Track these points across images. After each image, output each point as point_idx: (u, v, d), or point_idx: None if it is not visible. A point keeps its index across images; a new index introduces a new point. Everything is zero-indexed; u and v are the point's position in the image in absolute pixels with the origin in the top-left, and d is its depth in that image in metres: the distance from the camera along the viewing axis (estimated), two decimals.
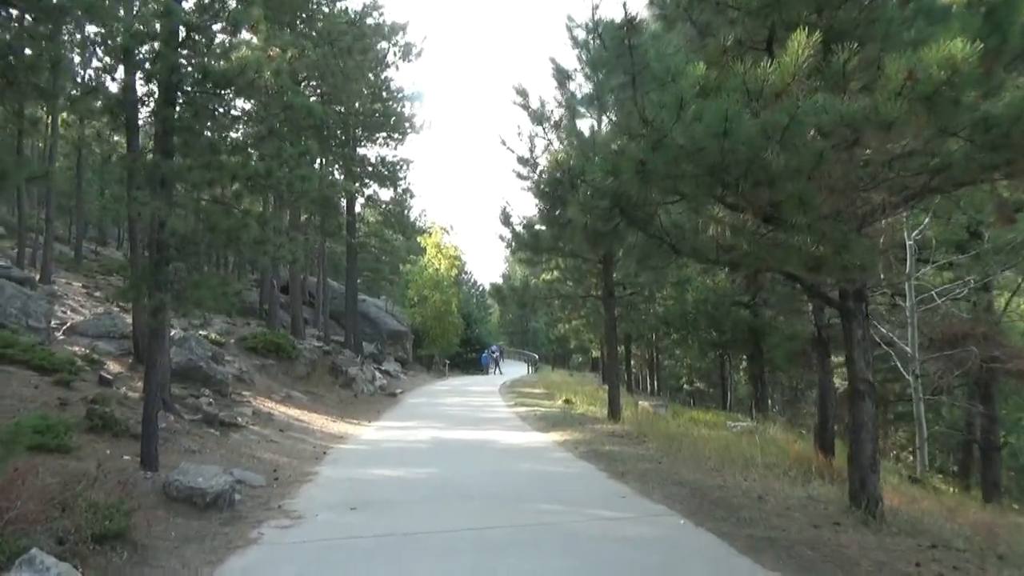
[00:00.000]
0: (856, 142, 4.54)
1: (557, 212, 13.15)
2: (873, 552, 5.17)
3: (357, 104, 22.18)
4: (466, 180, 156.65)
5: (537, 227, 14.33)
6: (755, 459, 9.77)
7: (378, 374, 28.38)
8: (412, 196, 27.19)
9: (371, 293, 46.89)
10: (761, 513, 6.37)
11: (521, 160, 14.42)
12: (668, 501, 7.00)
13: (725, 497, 7.01)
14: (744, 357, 22.47)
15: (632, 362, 39.81)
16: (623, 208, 6.33)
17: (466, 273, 68.60)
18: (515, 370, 50.87)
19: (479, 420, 16.62)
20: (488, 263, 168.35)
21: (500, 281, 17.55)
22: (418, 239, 47.35)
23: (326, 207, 23.69)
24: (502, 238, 15.16)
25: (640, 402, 19.93)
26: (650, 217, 6.51)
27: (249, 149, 8.63)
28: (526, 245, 14.37)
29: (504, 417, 17.44)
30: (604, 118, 12.47)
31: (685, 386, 34.77)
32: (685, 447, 10.74)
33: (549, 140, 13.46)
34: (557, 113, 13.48)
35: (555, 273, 15.85)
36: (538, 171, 13.14)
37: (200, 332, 19.38)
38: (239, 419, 13.05)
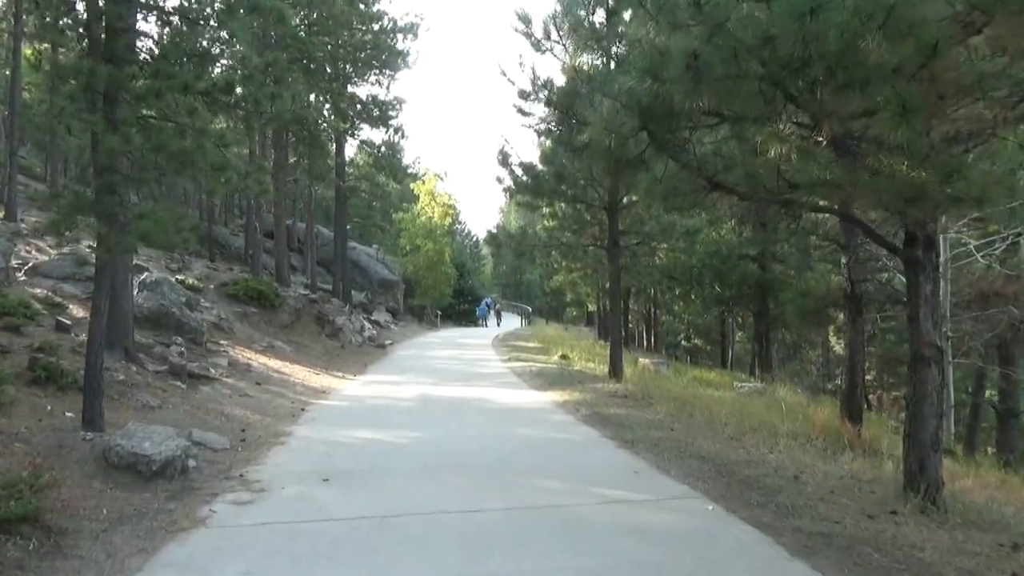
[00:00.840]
0: (981, 30, 3.42)
1: (562, 151, 11.98)
2: (954, 557, 4.21)
3: (346, 35, 20.59)
4: (462, 128, 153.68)
5: (538, 168, 13.14)
6: (775, 427, 8.85)
7: (367, 324, 27.40)
8: (404, 136, 25.81)
9: (363, 241, 45.68)
10: (802, 498, 5.41)
11: (522, 94, 13.14)
12: (690, 479, 6.04)
13: (756, 476, 6.05)
14: (749, 314, 21.53)
15: (629, 317, 38.96)
16: (652, 131, 5.19)
17: (460, 223, 67.33)
18: (508, 323, 50.35)
19: (471, 376, 15.68)
20: (483, 213, 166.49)
21: (495, 229, 16.40)
22: (411, 186, 45.94)
23: (313, 146, 22.33)
24: (499, 180, 14.00)
25: (640, 359, 19.01)
26: (683, 143, 5.39)
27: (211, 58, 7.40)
28: (525, 188, 13.21)
29: (498, 373, 16.51)
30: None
31: (683, 342, 33.96)
32: (697, 412, 9.80)
33: (564, 45, 12.08)
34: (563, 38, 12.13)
35: (555, 220, 14.72)
36: (547, 93, 11.84)
37: (176, 276, 18.27)
38: (212, 371, 12.05)
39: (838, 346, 34.03)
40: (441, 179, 42.71)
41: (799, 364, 30.97)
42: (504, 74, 12.87)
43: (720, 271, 18.36)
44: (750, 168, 4.97)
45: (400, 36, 23.21)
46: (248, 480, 6.21)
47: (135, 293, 14.60)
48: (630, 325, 42.00)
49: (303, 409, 10.56)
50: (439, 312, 42.04)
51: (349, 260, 38.05)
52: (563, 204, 14.24)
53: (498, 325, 43.99)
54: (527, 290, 69.52)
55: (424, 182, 43.61)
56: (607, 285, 31.00)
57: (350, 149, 56.27)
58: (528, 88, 12.94)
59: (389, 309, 37.39)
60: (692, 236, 14.40)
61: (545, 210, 15.19)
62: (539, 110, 12.97)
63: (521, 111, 13.07)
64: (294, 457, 7.17)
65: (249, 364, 14.27)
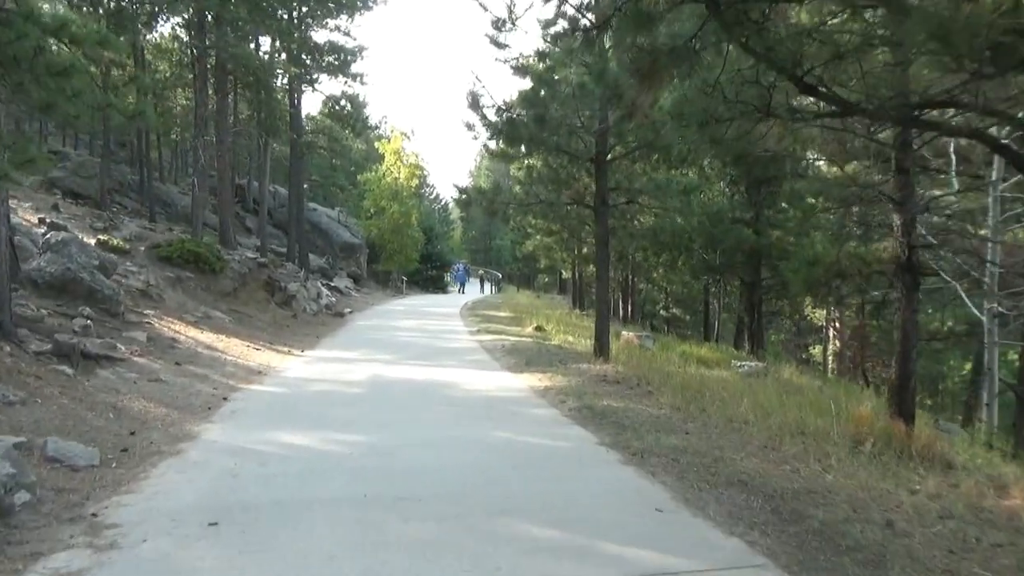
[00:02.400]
0: None
1: (546, 89, 9.96)
2: None
3: None
4: (430, 88, 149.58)
5: (516, 111, 11.12)
6: (807, 424, 7.13)
7: (325, 291, 25.30)
8: (364, 83, 23.41)
9: (326, 204, 43.18)
10: (919, 566, 3.63)
11: (497, 23, 11.06)
12: (740, 526, 4.22)
13: (833, 522, 4.25)
14: (738, 283, 19.89)
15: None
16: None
17: (428, 185, 64.98)
18: (476, 290, 48.68)
19: (436, 352, 13.78)
20: (453, 176, 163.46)
21: (467, 185, 14.28)
22: (376, 145, 43.54)
23: (259, 93, 19.90)
24: (469, 127, 11.94)
25: (621, 332, 17.28)
26: (763, 18, 3.46)
27: None
28: (499, 135, 11.19)
29: (466, 348, 14.64)
30: None
31: (661, 312, 32.42)
32: (708, 404, 8.02)
33: None
34: None
35: (533, 174, 12.72)
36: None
37: (99, 236, 15.98)
38: (119, 349, 9.96)
39: (814, 316, 32.86)
40: (408, 138, 40.24)
41: (792, 338, 29.70)
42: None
43: (712, 235, 16.60)
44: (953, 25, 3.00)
45: None
46: (99, 525, 4.26)
47: (38, 256, 12.43)
48: (584, 288, 40.40)
49: (225, 398, 8.58)
50: (404, 278, 39.93)
51: (308, 222, 35.70)
52: (541, 156, 12.25)
53: (462, 292, 42.68)
54: (497, 255, 67.56)
55: (390, 140, 41.17)
56: (583, 251, 29.29)
57: (309, 103, 52.82)
58: (504, 15, 10.86)
59: (351, 275, 35.26)
60: (688, 195, 12.52)
61: (521, 164, 13.21)
62: (517, 42, 10.91)
63: (496, 42, 10.99)
64: (183, 479, 5.22)
65: (175, 339, 12.20)
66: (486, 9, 10.76)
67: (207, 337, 13.13)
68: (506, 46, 10.96)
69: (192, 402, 8.19)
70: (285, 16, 20.63)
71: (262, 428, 6.99)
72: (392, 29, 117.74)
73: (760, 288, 18.67)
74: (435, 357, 12.80)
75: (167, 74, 25.25)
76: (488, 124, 11.66)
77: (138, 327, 12.06)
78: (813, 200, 15.33)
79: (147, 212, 23.82)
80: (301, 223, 27.21)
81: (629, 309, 30.62)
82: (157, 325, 12.82)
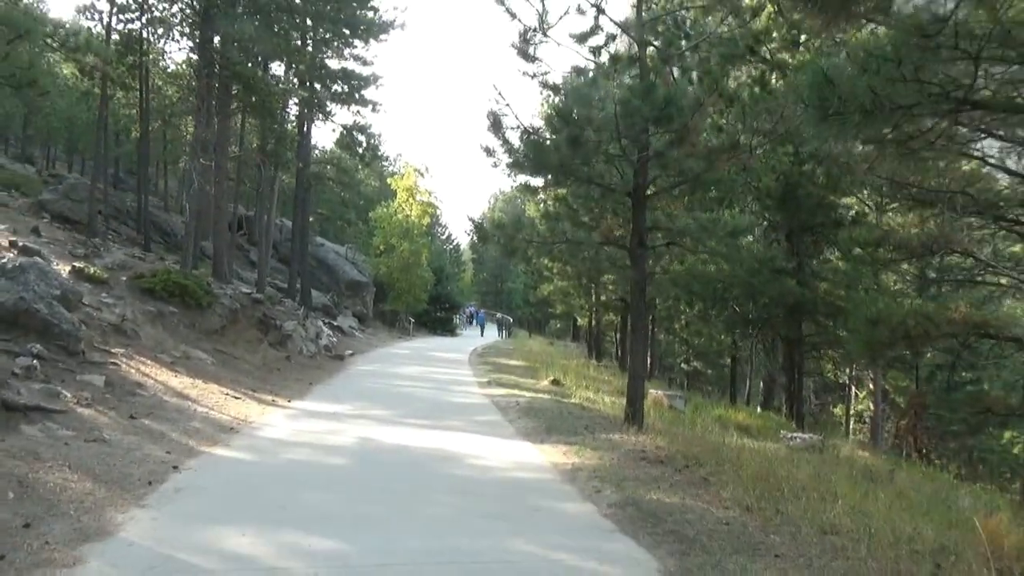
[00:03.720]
0: None
1: (580, 107, 8.42)
2: None
3: None
4: (445, 119, 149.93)
5: (544, 134, 9.60)
6: (925, 537, 5.37)
7: (326, 331, 23.67)
8: (375, 110, 22.01)
9: (339, 241, 41.83)
10: None
11: (525, 34, 9.63)
12: None
13: None
14: (779, 340, 18.05)
15: (617, 333, 35.45)
16: None
17: (440, 226, 63.84)
18: (488, 334, 47.56)
19: (441, 408, 12.04)
20: (466, 218, 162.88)
21: (482, 219, 12.58)
22: (388, 181, 42.43)
23: (263, 115, 18.52)
24: (489, 153, 10.39)
25: (649, 390, 15.51)
26: None
27: None
28: (526, 159, 9.64)
29: (476, 404, 12.90)
30: None
31: (682, 366, 30.53)
32: (787, 501, 6.24)
33: None
34: None
35: (561, 207, 11.12)
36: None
37: (74, 264, 14.46)
38: (63, 397, 8.34)
39: (836, 373, 30.84)
40: (421, 174, 39.08)
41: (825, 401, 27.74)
42: (502, 2, 9.34)
43: (750, 286, 14.92)
44: None
45: None
46: None
47: None
48: (614, 342, 38.57)
49: (176, 467, 6.87)
50: (412, 319, 38.31)
51: (314, 258, 34.30)
52: (571, 188, 10.66)
53: (482, 335, 43.91)
54: (508, 299, 66.03)
55: (403, 176, 40.04)
56: (602, 297, 27.56)
57: (320, 134, 51.76)
58: (534, 24, 9.44)
59: (356, 314, 33.69)
60: (736, 237, 10.91)
61: (546, 198, 11.63)
62: (548, 55, 9.47)
63: (524, 54, 9.53)
64: None
65: (140, 384, 10.56)
66: (514, 16, 9.29)
67: (180, 382, 11.49)
68: (535, 59, 9.47)
69: (131, 473, 6.48)
70: (297, 38, 19.44)
71: (206, 521, 5.28)
72: (408, 57, 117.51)
73: (802, 346, 16.88)
74: (439, 415, 11.07)
75: (174, 99, 24.08)
76: (510, 150, 10.12)
77: (99, 368, 10.45)
78: (864, 250, 13.67)
79: (142, 239, 22.40)
80: (305, 258, 25.73)
81: (648, 362, 28.76)
82: (124, 366, 11.19)
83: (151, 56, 25.93)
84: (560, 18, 9.24)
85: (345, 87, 21.27)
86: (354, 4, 18.79)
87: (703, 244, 11.07)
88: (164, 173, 36.81)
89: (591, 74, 9.35)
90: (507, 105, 9.70)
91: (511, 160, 10.16)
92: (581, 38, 9.46)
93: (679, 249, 11.57)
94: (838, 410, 32.90)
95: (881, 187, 13.07)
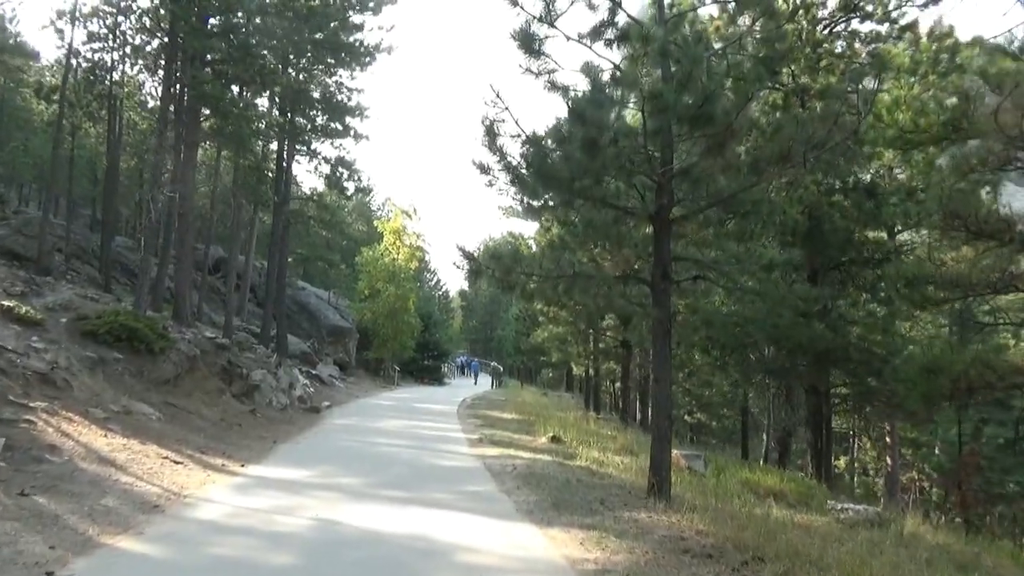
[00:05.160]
0: None
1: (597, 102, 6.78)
2: None
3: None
4: (434, 169, 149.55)
5: (549, 145, 7.93)
6: None
7: (302, 380, 21.69)
8: (358, 139, 20.43)
9: (323, 286, 39.94)
10: None
11: (528, 33, 8.05)
12: None
13: None
14: (796, 390, 16.26)
15: (617, 383, 33.51)
16: None
17: (429, 271, 62.15)
18: (471, 382, 46.12)
19: (424, 474, 10.08)
20: (455, 248, 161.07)
21: (478, 250, 10.79)
22: (375, 223, 40.98)
23: (235, 144, 16.86)
24: (484, 170, 8.72)
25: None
26: None
27: None
28: (527, 176, 7.96)
29: (465, 468, 10.95)
30: None
31: (686, 418, 28.57)
32: None
33: None
34: None
35: (565, 233, 9.40)
36: None
37: (5, 303, 12.55)
38: None
39: (839, 421, 28.82)
40: (409, 216, 37.54)
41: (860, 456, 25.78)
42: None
43: (776, 328, 13.18)
44: None
45: (364, 14, 18.08)
46: None
47: None
48: (608, 388, 36.60)
49: (50, 574, 4.94)
50: (398, 368, 36.27)
51: (295, 302, 32.45)
52: (581, 210, 8.95)
53: (475, 384, 44.43)
54: (499, 347, 64.02)
55: (390, 219, 38.54)
56: (599, 344, 25.67)
57: (301, 170, 49.92)
58: (540, 12, 7.90)
59: (338, 362, 31.66)
60: (770, 272, 9.23)
61: (548, 226, 9.97)
62: (555, 50, 7.89)
63: (528, 48, 7.94)
64: None
65: (56, 447, 8.63)
66: (516, 3, 7.73)
67: (110, 443, 9.53)
68: (541, 54, 7.87)
69: None
70: (275, 64, 17.95)
71: None
72: (395, 84, 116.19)
73: (829, 397, 15.07)
74: (422, 485, 9.12)
75: (148, 133, 22.54)
76: (508, 166, 8.45)
77: (3, 428, 8.53)
78: (909, 289, 11.99)
79: (102, 278, 20.51)
80: (281, 301, 23.85)
81: (649, 413, 26.81)
82: (40, 424, 9.26)
83: (126, 89, 24.50)
84: (571, 2, 7.68)
85: (327, 118, 19.75)
86: (334, 24, 17.35)
87: (732, 280, 9.34)
88: (140, 213, 35.09)
89: (605, 73, 7.71)
90: (506, 109, 8.05)
91: (510, 177, 8.47)
92: (595, 32, 7.87)
93: (705, 285, 9.84)
94: (841, 462, 30.84)
95: (926, 218, 11.53)
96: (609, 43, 7.69)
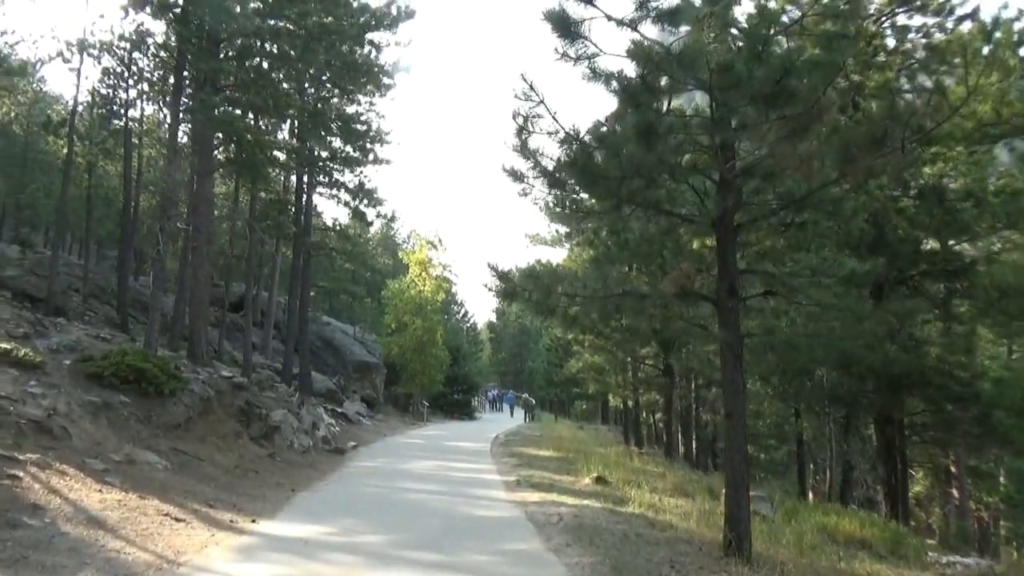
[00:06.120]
0: None
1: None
2: None
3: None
4: (459, 200, 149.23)
5: (589, 143, 6.79)
6: None
7: (327, 419, 20.63)
8: (379, 163, 19.56)
9: (349, 322, 39.04)
10: None
11: (564, 12, 6.95)
12: None
13: None
14: (870, 422, 14.69)
15: (657, 414, 31.92)
16: None
17: (457, 303, 61.13)
18: (504, 416, 44.88)
19: (456, 529, 8.82)
20: (482, 299, 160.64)
21: (514, 269, 9.62)
22: (400, 255, 40.17)
23: (249, 172, 15.99)
24: (516, 176, 7.60)
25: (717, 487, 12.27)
26: None
27: None
28: (569, 176, 6.83)
29: (504, 519, 9.66)
30: None
31: None
32: None
33: None
34: None
35: (616, 244, 8.22)
36: None
37: (1, 344, 11.62)
38: None
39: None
40: (435, 247, 36.66)
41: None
42: None
43: (845, 353, 11.75)
44: None
45: (380, 32, 17.30)
46: None
47: None
48: (651, 423, 34.95)
49: None
50: (427, 403, 35.07)
51: (319, 338, 31.55)
52: (630, 218, 7.75)
53: (511, 416, 44.73)
54: (529, 379, 62.57)
55: (415, 250, 37.69)
56: (639, 374, 24.13)
57: (321, 201, 49.00)
58: None
59: (365, 398, 30.56)
60: (849, 287, 7.94)
61: (592, 232, 8.77)
62: (598, 33, 6.84)
63: (564, 28, 6.86)
64: None
65: (39, 506, 7.58)
66: None
67: (103, 500, 8.45)
68: (579, 37, 6.77)
69: None
70: (291, 90, 17.18)
71: None
72: (416, 106, 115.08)
73: (903, 427, 13.54)
74: (455, 544, 7.87)
75: (156, 158, 21.95)
76: (544, 172, 7.32)
77: None
78: (996, 301, 10.54)
79: (119, 317, 19.73)
80: (304, 336, 22.88)
81: (693, 446, 25.24)
82: (27, 480, 8.23)
83: (144, 126, 24.01)
84: None
85: (345, 142, 18.90)
86: (349, 43, 16.45)
87: (808, 295, 8.04)
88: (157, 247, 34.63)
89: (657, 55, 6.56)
90: (540, 103, 6.93)
91: (547, 181, 7.32)
92: (641, 4, 6.75)
93: (773, 302, 8.55)
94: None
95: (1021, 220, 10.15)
96: (659, 19, 6.56)
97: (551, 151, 7.24)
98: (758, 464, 28.82)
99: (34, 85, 33.53)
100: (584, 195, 7.56)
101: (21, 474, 8.35)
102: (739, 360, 7.28)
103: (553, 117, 6.95)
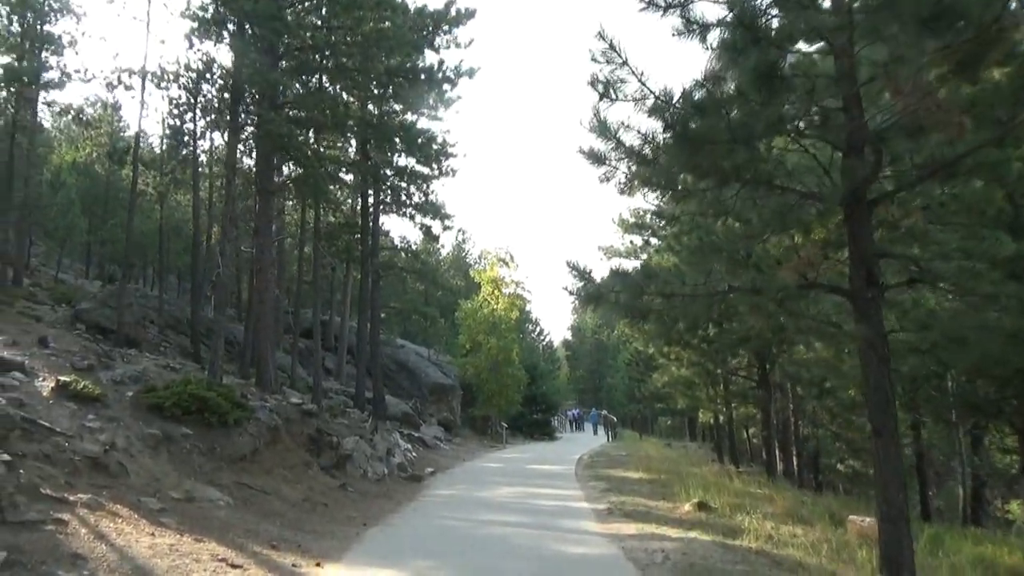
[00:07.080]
0: None
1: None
2: None
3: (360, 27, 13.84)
4: (528, 210, 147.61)
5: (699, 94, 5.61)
6: None
7: (403, 445, 19.76)
8: (445, 174, 18.80)
9: (424, 344, 38.52)
10: None
11: None
12: None
13: None
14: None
15: (751, 428, 29.91)
16: None
17: (531, 321, 60.02)
18: (585, 435, 43.33)
19: (547, 573, 7.62)
20: (557, 316, 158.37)
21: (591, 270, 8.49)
22: (471, 273, 39.44)
23: (311, 191, 15.37)
24: (595, 157, 6.47)
25: (849, 517, 10.66)
26: None
27: None
28: (669, 143, 5.65)
29: (600, 561, 8.38)
30: None
31: (839, 466, 24.68)
32: None
33: None
34: None
35: (724, 227, 6.91)
36: None
37: (60, 377, 11.15)
38: None
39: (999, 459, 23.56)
40: (507, 264, 35.75)
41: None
42: None
43: (986, 354, 10.03)
44: None
45: (440, 35, 16.55)
46: None
47: None
48: (745, 439, 32.81)
49: None
50: (505, 425, 33.99)
51: (393, 361, 30.96)
52: (738, 196, 6.48)
53: (595, 433, 43.63)
54: (608, 396, 60.80)
55: (487, 268, 36.88)
56: (730, 386, 22.31)
57: (390, 221, 49.00)
58: None
59: (442, 422, 29.70)
60: (1009, 270, 6.42)
61: (687, 217, 7.40)
62: None
63: None
64: None
65: (80, 555, 6.81)
66: None
67: (154, 544, 7.62)
68: None
69: None
70: (351, 103, 16.59)
71: None
72: (481, 115, 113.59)
73: None
74: None
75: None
76: (629, 152, 6.15)
77: (23, 531, 6.83)
78: None
79: (192, 346, 19.47)
80: (376, 359, 22.18)
81: (795, 463, 23.23)
82: (73, 524, 7.49)
83: (214, 156, 24.05)
84: None
85: (408, 154, 18.19)
86: (408, 49, 15.70)
87: (960, 283, 6.56)
88: (239, 281, 34.94)
89: None
90: (623, 64, 5.80)
91: (635, 160, 6.15)
92: None
93: (915, 292, 7.08)
94: (1015, 507, 25.44)
95: None
96: None
97: (638, 123, 6.08)
98: (868, 481, 26.47)
99: (112, 125, 34.50)
100: (679, 174, 6.32)
101: (68, 517, 7.63)
102: (885, 363, 5.87)
103: (639, 80, 5.80)
